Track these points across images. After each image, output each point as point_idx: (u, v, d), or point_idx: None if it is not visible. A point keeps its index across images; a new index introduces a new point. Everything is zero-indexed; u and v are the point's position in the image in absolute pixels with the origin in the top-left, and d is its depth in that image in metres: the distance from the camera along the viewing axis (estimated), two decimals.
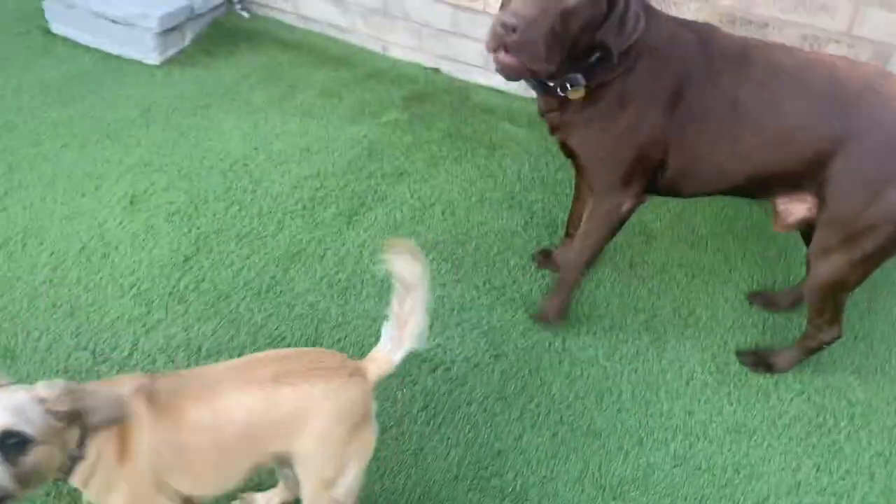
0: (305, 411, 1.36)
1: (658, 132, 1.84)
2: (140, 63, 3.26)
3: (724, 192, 1.97)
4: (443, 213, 2.59)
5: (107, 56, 3.29)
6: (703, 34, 1.83)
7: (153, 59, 3.24)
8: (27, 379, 1.69)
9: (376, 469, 1.82)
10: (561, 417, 1.99)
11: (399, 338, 1.46)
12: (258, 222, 2.48)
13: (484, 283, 2.35)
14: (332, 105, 3.09)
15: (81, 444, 1.25)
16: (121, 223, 2.44)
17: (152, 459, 1.31)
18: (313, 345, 2.10)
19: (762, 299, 2.36)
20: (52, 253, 2.31)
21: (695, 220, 2.66)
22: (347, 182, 2.68)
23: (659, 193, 2.01)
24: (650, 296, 2.37)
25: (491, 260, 2.43)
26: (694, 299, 2.37)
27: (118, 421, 1.26)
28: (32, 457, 1.16)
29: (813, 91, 1.75)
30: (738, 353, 2.19)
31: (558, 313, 2.21)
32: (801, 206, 1.89)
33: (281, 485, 1.71)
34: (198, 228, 2.44)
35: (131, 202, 2.53)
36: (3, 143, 2.75)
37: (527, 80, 1.80)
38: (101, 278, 2.25)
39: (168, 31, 3.22)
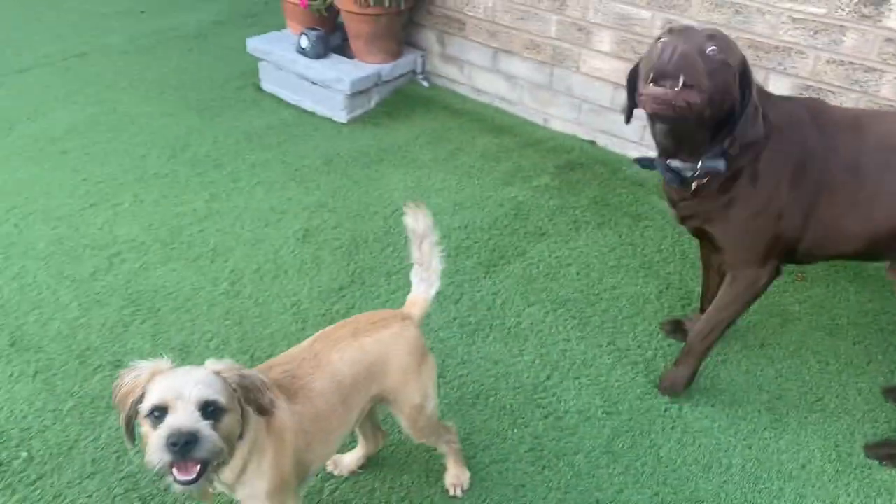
0: (386, 354, 1.66)
1: (791, 208, 1.91)
2: (330, 119, 3.71)
3: (855, 256, 2.01)
4: (577, 274, 2.71)
5: (303, 112, 3.78)
6: (813, 108, 1.92)
7: (342, 117, 3.68)
8: None
9: (479, 495, 1.95)
10: (665, 479, 2.02)
11: (428, 278, 1.79)
12: (406, 264, 2.74)
13: (608, 344, 2.43)
14: (489, 167, 3.34)
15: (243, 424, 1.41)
16: (293, 252, 2.80)
17: (297, 439, 1.52)
18: (438, 376, 2.28)
19: None
20: (233, 270, 2.70)
21: (836, 309, 2.59)
22: (492, 236, 2.89)
23: (793, 262, 2.05)
24: (777, 377, 2.33)
25: (618, 322, 2.51)
26: (824, 387, 2.30)
27: (271, 405, 1.42)
28: (226, 422, 1.32)
29: None
30: (867, 446, 2.10)
31: (682, 383, 2.23)
32: None
33: (361, 442, 1.97)
34: (356, 263, 2.74)
35: (304, 235, 2.89)
36: (211, 176, 3.24)
37: (664, 171, 1.92)
38: (269, 296, 2.58)
39: (357, 94, 3.65)
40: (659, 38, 1.74)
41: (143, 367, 1.35)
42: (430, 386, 1.76)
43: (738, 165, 1.87)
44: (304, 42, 3.71)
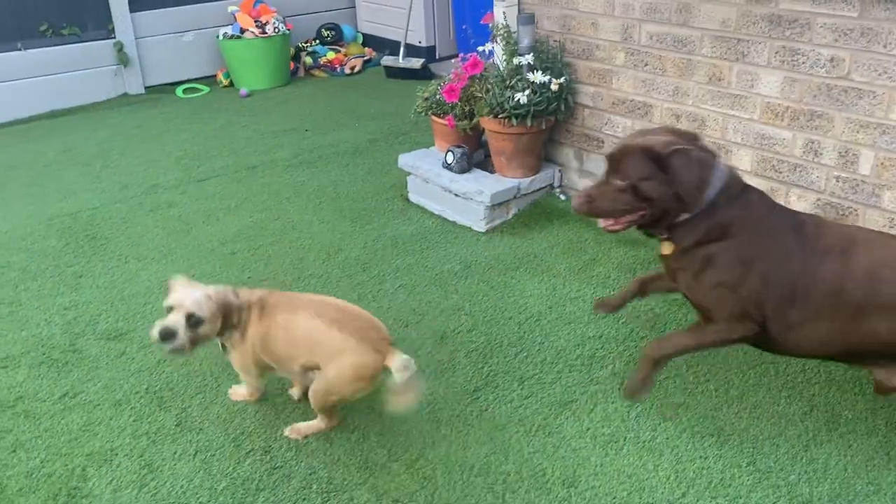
0: (339, 351, 2.25)
1: (753, 300, 2.14)
2: (470, 229, 3.91)
3: (825, 358, 2.27)
4: (716, 390, 2.66)
5: (445, 221, 4.01)
6: (799, 226, 2.15)
7: (481, 226, 3.87)
8: None
9: None
10: None
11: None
12: (540, 369, 2.80)
13: (747, 464, 2.34)
14: (626, 279, 3.38)
15: (226, 325, 2.31)
16: (430, 352, 2.93)
17: (253, 342, 2.34)
18: (570, 486, 2.28)
19: None
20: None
21: None
22: (627, 347, 2.90)
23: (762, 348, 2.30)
24: None
25: (759, 443, 2.42)
26: None
27: (237, 323, 2.32)
28: (202, 330, 2.21)
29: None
30: None
31: (637, 387, 2.43)
32: None
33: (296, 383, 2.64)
34: (490, 366, 2.83)
35: (441, 337, 3.02)
36: (359, 278, 3.49)
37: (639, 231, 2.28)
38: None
39: (497, 206, 3.85)
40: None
41: (175, 282, 2.27)
42: (336, 386, 2.31)
43: (698, 239, 2.16)
44: (450, 158, 3.99)
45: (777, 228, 2.13)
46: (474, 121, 3.95)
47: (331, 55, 7.05)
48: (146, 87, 6.51)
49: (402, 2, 6.70)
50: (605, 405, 2.61)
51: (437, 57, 6.93)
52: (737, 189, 2.17)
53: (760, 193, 2.22)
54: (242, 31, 6.44)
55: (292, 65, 6.90)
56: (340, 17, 7.43)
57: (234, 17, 6.53)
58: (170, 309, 2.21)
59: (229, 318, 2.30)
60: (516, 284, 3.39)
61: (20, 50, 5.91)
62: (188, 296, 2.22)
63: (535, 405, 2.63)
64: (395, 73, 6.68)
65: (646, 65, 3.55)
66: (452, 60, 4.27)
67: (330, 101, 6.20)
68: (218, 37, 6.52)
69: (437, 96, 4.14)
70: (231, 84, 6.64)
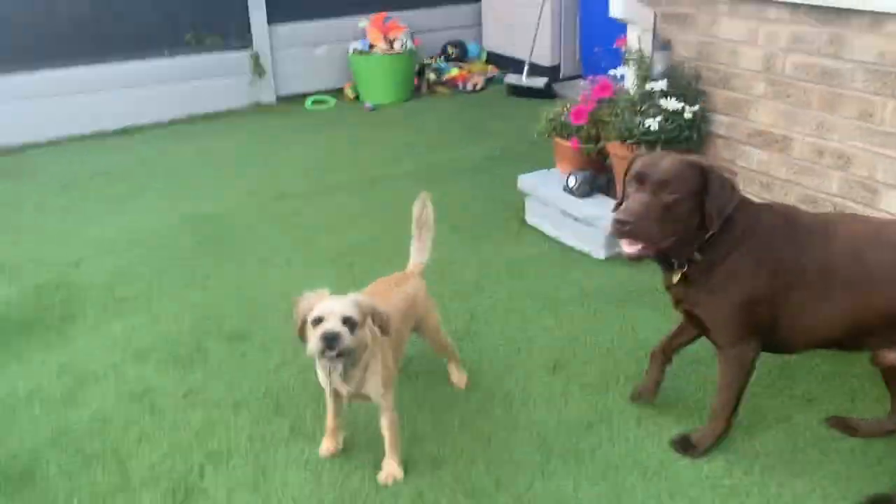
0: (415, 296, 2.64)
1: (766, 299, 2.20)
2: (587, 255, 3.82)
3: (831, 346, 2.32)
4: (852, 451, 2.46)
5: (562, 246, 3.94)
6: (787, 215, 2.26)
7: (600, 253, 3.78)
8: None
9: None
10: None
11: (422, 250, 2.79)
12: (658, 410, 2.68)
13: None
14: None
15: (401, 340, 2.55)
16: (542, 382, 2.87)
17: (387, 346, 2.38)
18: None
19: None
20: (484, 392, 2.82)
21: None
22: (754, 394, 2.71)
23: (772, 350, 2.36)
24: None
25: None
26: None
27: (388, 326, 2.28)
28: (357, 333, 2.16)
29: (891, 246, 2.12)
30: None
31: (704, 446, 2.45)
32: None
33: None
34: (604, 402, 2.74)
35: (554, 367, 2.96)
36: (472, 299, 3.47)
37: (653, 259, 2.25)
38: (515, 421, 2.66)
39: None
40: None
41: (313, 295, 2.21)
42: (437, 314, 2.77)
43: (716, 256, 2.20)
44: (572, 181, 3.92)
45: (776, 226, 2.21)
46: (600, 145, 3.87)
47: (454, 72, 7.12)
48: (278, 97, 6.78)
49: (529, 20, 6.69)
50: (728, 454, 2.46)
51: (560, 77, 6.87)
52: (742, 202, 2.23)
53: (748, 200, 2.28)
54: (371, 46, 6.61)
55: (416, 80, 7.01)
56: (466, 34, 7.50)
57: (365, 33, 6.71)
58: (318, 321, 2.13)
59: (373, 331, 2.30)
60: (635, 317, 3.27)
61: (166, 56, 6.29)
62: (338, 303, 2.16)
63: (652, 447, 2.51)
64: (517, 91, 6.67)
65: (788, 96, 3.36)
66: (581, 82, 4.20)
67: (451, 118, 6.26)
68: (349, 51, 6.72)
69: (563, 118, 4.08)
70: (357, 97, 6.82)
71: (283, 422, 2.70)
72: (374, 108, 6.54)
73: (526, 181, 4.21)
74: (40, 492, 2.43)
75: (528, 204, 4.22)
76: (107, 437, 2.66)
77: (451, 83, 7.07)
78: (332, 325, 2.11)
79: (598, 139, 3.89)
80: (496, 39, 7.43)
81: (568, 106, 4.09)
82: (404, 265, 2.80)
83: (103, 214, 4.52)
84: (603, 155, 3.98)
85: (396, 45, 6.58)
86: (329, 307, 2.15)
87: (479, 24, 7.57)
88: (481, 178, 4.90)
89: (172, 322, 3.35)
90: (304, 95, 6.82)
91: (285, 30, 6.67)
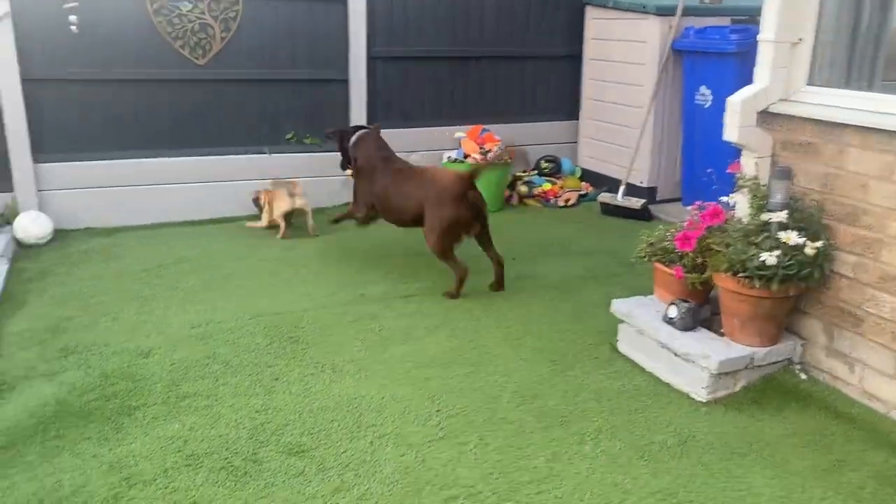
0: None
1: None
2: (687, 396, 3.43)
3: (404, 224, 4.87)
4: None
5: (659, 381, 3.57)
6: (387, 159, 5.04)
7: (701, 395, 3.39)
8: None
9: None
10: None
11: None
12: None
13: None
14: (886, 494, 2.73)
15: None
16: None
17: None
18: None
19: None
20: None
21: None
22: None
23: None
24: None
25: None
26: None
27: None
28: None
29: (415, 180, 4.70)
30: None
31: None
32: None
33: None
34: None
35: None
36: (555, 433, 3.12)
37: None
38: None
39: (723, 375, 3.36)
40: None
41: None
42: None
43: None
44: (673, 312, 3.59)
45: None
46: (706, 275, 3.55)
47: (546, 186, 6.99)
48: None
49: (628, 141, 6.55)
50: None
51: (657, 199, 6.63)
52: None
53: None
54: (466, 156, 6.57)
55: (507, 192, 6.91)
56: (561, 150, 7.41)
57: (460, 143, 6.70)
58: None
59: None
60: (743, 475, 2.85)
61: (267, 154, 6.41)
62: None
63: None
64: (611, 210, 6.46)
65: None
66: (688, 207, 3.94)
67: (540, 232, 6.06)
68: (443, 160, 6.70)
69: (665, 243, 3.80)
70: None
71: None
72: None
73: (620, 306, 3.90)
74: None
75: (622, 331, 3.90)
76: None
77: (543, 197, 6.92)
78: None
79: (703, 269, 3.58)
80: (592, 157, 7.31)
81: (671, 230, 3.82)
82: (481, 385, 2.51)
83: (181, 303, 4.44)
84: (708, 286, 3.66)
85: (490, 157, 6.52)
86: None
87: (575, 142, 7.49)
88: (569, 297, 4.62)
89: (232, 426, 3.14)
90: None
91: (382, 134, 6.72)
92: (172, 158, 6.10)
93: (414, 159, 6.85)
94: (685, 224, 3.69)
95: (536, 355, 3.82)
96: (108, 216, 5.90)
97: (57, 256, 5.25)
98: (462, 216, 4.44)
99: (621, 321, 3.90)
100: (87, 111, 5.78)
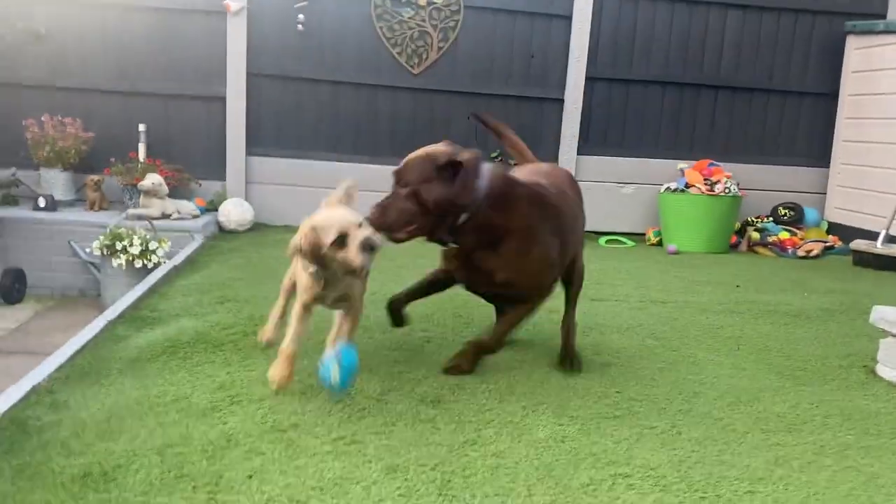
0: None
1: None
2: None
3: None
4: None
5: None
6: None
7: None
8: None
9: None
10: None
11: None
12: None
13: None
14: None
15: None
16: None
17: None
18: None
19: None
20: None
21: None
22: None
23: None
24: None
25: None
26: None
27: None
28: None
29: None
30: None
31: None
32: None
33: None
34: None
35: None
36: (777, 437, 2.26)
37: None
38: None
39: None
40: None
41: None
42: None
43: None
44: None
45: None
46: None
47: (784, 235, 5.95)
48: None
49: (888, 188, 5.43)
50: None
51: None
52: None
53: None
54: (688, 186, 5.80)
55: (734, 238, 5.98)
56: (804, 199, 6.34)
57: (682, 173, 5.95)
58: (342, 238, 2.17)
59: None
60: None
61: None
62: (348, 213, 2.28)
63: None
64: (866, 259, 5.30)
65: None
66: None
67: (773, 272, 5.07)
68: (659, 191, 5.97)
69: None
70: (659, 242, 5.96)
71: None
72: (676, 253, 5.61)
73: (887, 314, 2.91)
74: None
75: (884, 348, 2.90)
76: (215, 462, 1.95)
77: (778, 246, 5.88)
78: (369, 231, 2.20)
79: None
80: (842, 209, 6.16)
81: None
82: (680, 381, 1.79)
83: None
84: None
85: (717, 188, 5.69)
86: (345, 220, 2.20)
87: (822, 192, 6.39)
88: (809, 323, 3.67)
89: (364, 371, 2.64)
90: (601, 233, 6.12)
91: (591, 162, 6.19)
92: (378, 166, 5.99)
93: (624, 192, 6.23)
94: None
95: (759, 368, 2.96)
96: (274, 213, 5.80)
97: (250, 239, 5.26)
98: None
99: (887, 335, 2.90)
100: (300, 110, 5.87)
